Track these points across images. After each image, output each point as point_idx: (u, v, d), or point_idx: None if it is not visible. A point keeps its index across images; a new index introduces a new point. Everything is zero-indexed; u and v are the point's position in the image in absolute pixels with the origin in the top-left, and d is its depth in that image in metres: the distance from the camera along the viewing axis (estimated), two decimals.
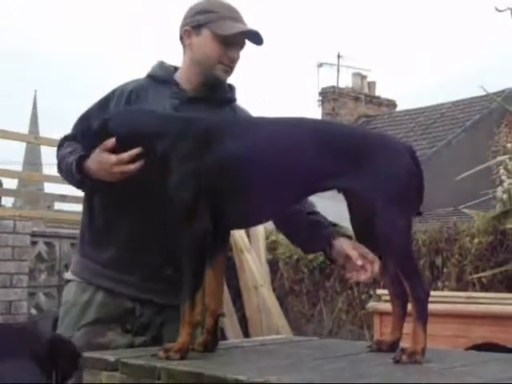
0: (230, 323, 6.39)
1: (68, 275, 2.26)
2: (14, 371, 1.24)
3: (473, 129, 12.78)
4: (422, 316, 1.77)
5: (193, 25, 2.13)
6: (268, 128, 1.94)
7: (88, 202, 2.20)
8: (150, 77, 2.20)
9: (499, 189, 6.59)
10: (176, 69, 2.24)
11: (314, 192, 1.90)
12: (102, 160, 1.94)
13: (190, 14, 2.17)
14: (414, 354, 1.72)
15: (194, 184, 1.83)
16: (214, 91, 2.20)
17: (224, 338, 5.80)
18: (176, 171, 1.85)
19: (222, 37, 2.09)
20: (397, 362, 1.71)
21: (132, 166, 1.91)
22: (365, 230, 1.90)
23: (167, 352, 1.78)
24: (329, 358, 1.85)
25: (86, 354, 1.90)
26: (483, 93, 12.01)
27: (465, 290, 6.23)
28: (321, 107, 14.88)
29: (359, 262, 1.94)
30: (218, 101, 2.21)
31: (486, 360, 1.89)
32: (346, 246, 2.00)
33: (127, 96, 2.11)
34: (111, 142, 1.92)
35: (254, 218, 1.98)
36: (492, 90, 10.83)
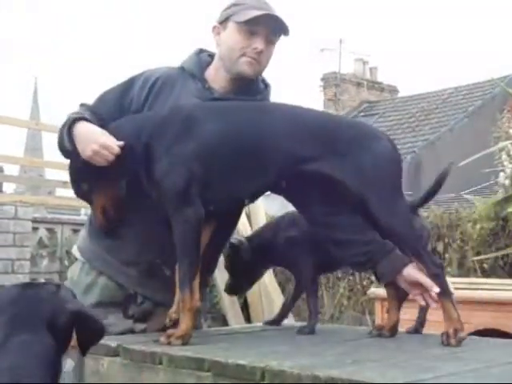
0: (231, 309, 6.39)
1: (75, 250, 2.25)
2: (23, 345, 1.21)
3: (475, 114, 12.74)
4: (445, 290, 1.78)
5: (220, 20, 2.09)
6: (248, 112, 1.95)
7: None
8: (181, 68, 2.13)
9: (501, 174, 6.57)
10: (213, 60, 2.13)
11: (292, 174, 1.89)
12: (95, 133, 1.91)
13: (221, 11, 2.12)
14: (456, 332, 1.75)
15: (184, 169, 1.83)
16: (242, 90, 2.08)
17: (226, 323, 5.81)
18: (163, 158, 1.84)
19: (241, 24, 2.01)
20: (447, 345, 1.73)
21: (103, 157, 1.89)
22: None
23: (169, 338, 1.79)
24: (330, 343, 1.85)
25: None
26: (486, 78, 11.96)
27: (466, 275, 6.23)
28: (322, 93, 14.84)
29: (436, 290, 1.79)
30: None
31: (488, 345, 1.89)
32: (414, 272, 1.85)
33: (153, 82, 2.06)
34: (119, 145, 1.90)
35: (234, 199, 1.97)
36: (495, 75, 10.80)
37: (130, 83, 2.09)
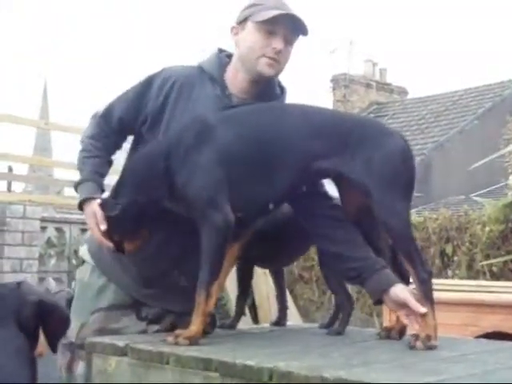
0: None
1: (84, 252, 2.22)
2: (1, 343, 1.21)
3: (485, 116, 12.69)
4: (429, 297, 1.77)
5: (239, 21, 2.07)
6: (263, 115, 1.95)
7: None
8: (200, 68, 2.10)
9: (511, 177, 6.55)
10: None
11: (310, 176, 1.89)
12: (94, 221, 1.95)
13: (240, 12, 2.10)
14: (428, 338, 1.73)
15: (205, 175, 1.82)
16: (261, 92, 2.07)
17: None
18: (182, 169, 1.83)
19: (260, 24, 2.00)
20: (412, 348, 1.72)
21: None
22: (357, 218, 1.92)
23: (177, 338, 1.78)
24: (338, 345, 1.85)
25: (96, 339, 1.90)
26: (496, 80, 11.92)
27: (475, 278, 6.21)
28: (332, 94, 14.82)
29: (421, 311, 1.77)
30: None
31: (496, 348, 1.88)
32: (401, 292, 1.83)
33: (170, 85, 2.04)
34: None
35: (259, 205, 1.95)
36: (505, 77, 10.76)
37: (148, 83, 2.07)
